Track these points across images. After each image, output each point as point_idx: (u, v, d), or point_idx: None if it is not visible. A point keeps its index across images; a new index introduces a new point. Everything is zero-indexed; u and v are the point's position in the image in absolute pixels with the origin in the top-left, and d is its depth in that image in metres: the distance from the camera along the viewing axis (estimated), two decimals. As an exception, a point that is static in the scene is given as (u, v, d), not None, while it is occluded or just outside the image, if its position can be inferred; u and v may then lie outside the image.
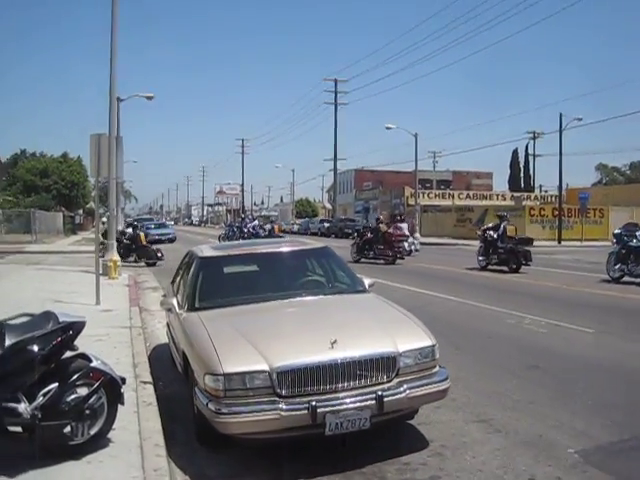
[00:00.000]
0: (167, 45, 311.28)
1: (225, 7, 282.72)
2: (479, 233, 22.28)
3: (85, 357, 4.92)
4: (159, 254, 24.43)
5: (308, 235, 56.95)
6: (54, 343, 4.53)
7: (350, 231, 51.71)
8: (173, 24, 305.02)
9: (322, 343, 5.07)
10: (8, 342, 4.35)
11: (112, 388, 4.87)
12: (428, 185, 70.94)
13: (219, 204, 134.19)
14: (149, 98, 39.45)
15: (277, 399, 4.79)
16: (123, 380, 5.04)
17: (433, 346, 5.35)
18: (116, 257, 17.96)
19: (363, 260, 24.85)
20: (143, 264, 24.13)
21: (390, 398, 4.95)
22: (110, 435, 4.96)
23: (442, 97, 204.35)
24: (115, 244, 19.07)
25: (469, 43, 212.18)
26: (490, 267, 21.03)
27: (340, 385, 4.94)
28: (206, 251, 7.48)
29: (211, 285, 6.75)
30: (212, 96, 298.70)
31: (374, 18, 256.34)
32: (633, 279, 16.70)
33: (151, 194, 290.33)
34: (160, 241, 37.93)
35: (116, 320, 10.63)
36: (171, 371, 7.64)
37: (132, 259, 24.33)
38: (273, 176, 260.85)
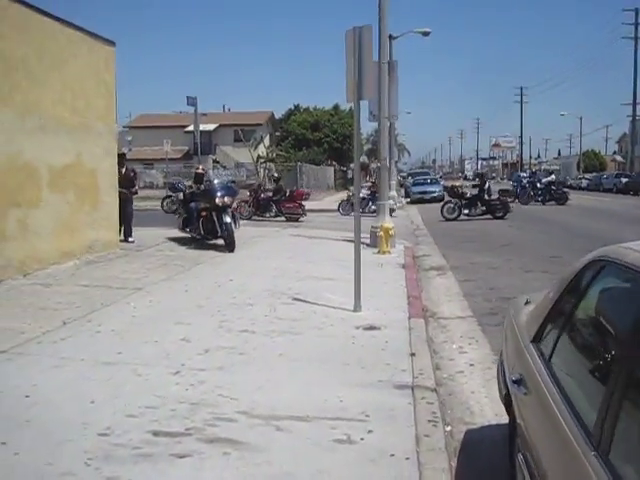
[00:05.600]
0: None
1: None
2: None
3: None
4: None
5: (601, 192, 46.99)
6: None
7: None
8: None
9: None
10: None
11: None
12: None
13: (493, 158, 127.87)
14: (425, 34, 34.80)
15: None
16: None
17: None
18: (389, 224, 12.93)
19: None
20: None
21: None
22: None
23: None
24: (388, 205, 14.01)
25: None
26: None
27: None
28: None
29: None
30: (486, 44, 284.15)
31: None
32: None
33: (423, 148, 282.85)
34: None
35: (385, 360, 5.56)
36: None
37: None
38: (549, 128, 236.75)
